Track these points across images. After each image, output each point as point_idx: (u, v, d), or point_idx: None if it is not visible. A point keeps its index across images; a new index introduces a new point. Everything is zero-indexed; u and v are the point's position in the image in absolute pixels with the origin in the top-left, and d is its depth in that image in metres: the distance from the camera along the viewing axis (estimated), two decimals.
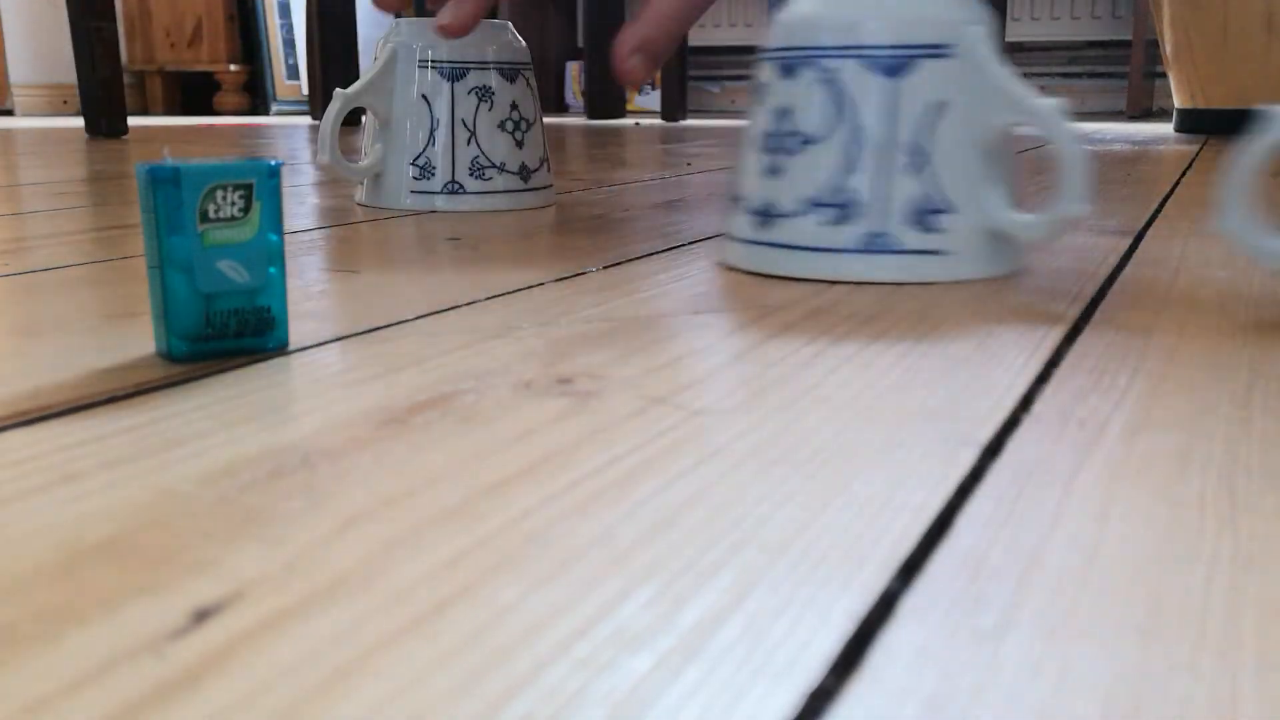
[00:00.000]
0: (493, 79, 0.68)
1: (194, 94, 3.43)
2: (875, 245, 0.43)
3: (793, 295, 0.41)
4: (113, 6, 1.62)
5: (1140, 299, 0.41)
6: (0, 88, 3.14)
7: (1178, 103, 1.72)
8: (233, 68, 3.31)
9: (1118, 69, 2.82)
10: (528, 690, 0.15)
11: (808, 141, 0.44)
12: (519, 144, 0.69)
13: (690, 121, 2.43)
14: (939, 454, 0.24)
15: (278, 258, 0.31)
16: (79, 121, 2.23)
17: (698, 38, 3.19)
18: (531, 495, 0.21)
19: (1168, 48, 1.68)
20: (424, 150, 0.67)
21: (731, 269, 0.47)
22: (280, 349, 0.32)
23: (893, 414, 0.27)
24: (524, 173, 0.69)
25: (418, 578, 0.18)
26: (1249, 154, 0.36)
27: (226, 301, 0.31)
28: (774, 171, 0.46)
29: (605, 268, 0.47)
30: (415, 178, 0.68)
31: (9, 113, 3.13)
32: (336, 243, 0.55)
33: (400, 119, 0.68)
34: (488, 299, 0.40)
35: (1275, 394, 0.29)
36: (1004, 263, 0.45)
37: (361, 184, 0.71)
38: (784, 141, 0.45)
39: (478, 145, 0.68)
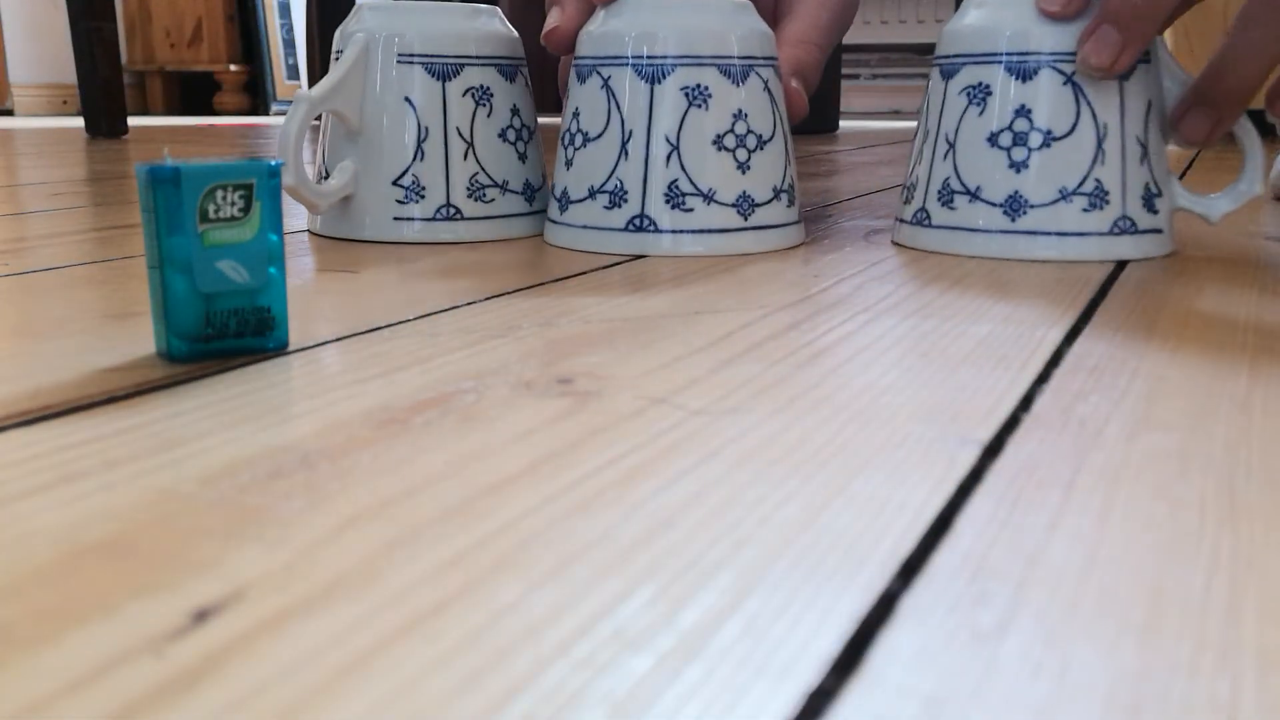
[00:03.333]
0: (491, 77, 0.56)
1: (194, 94, 3.44)
2: (1120, 228, 0.50)
3: (793, 295, 0.41)
4: (113, 6, 1.62)
5: (1140, 299, 0.41)
6: (0, 88, 3.14)
7: None
8: (233, 68, 3.31)
9: None
10: (528, 690, 0.15)
11: (1055, 138, 0.50)
12: (521, 157, 0.57)
13: None
14: (939, 454, 0.24)
15: (278, 258, 0.31)
16: (79, 121, 2.23)
17: None
18: (531, 495, 0.21)
19: (1167, 47, 1.68)
20: (410, 167, 0.54)
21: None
22: (280, 349, 0.32)
23: (893, 414, 0.27)
24: (528, 192, 0.57)
25: (418, 578, 0.18)
26: None
27: (226, 301, 0.31)
28: (1019, 166, 0.50)
29: (604, 268, 0.47)
30: (399, 201, 0.54)
31: (9, 113, 3.13)
32: (336, 243, 0.55)
33: (376, 127, 0.54)
34: (487, 299, 0.40)
35: (1275, 394, 0.29)
36: (1173, 241, 0.52)
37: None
38: (1027, 138, 0.50)
39: (476, 160, 0.55)
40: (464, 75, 0.54)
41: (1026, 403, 0.28)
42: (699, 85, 0.50)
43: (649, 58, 0.51)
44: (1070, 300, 0.40)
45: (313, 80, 2.22)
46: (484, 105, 0.55)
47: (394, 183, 0.54)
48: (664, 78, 0.51)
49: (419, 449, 0.24)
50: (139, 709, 0.14)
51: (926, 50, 2.98)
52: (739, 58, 0.51)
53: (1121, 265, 0.48)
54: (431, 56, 0.54)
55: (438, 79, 0.54)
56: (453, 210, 0.55)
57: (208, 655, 0.15)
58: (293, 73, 3.35)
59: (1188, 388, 0.29)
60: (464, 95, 0.54)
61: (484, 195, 0.55)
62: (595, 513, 0.21)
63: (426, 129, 0.54)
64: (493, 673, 0.15)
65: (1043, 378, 0.30)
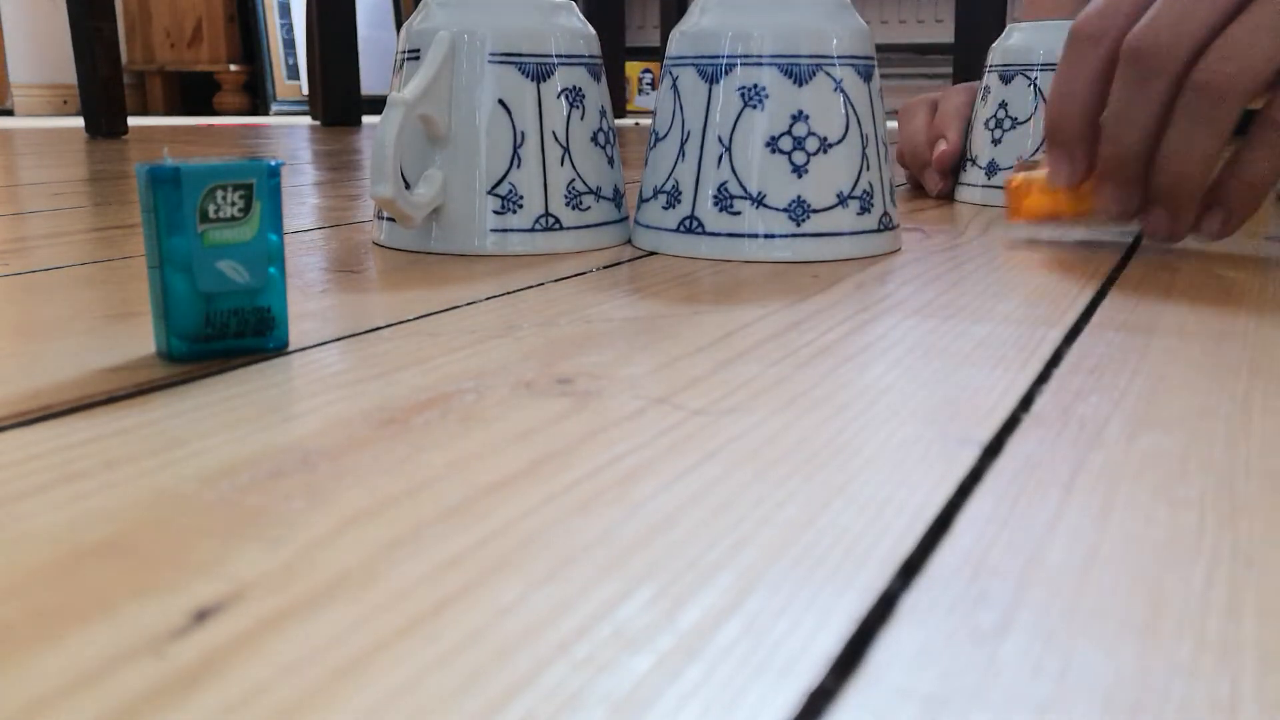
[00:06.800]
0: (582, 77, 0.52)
1: (194, 94, 3.44)
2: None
3: (793, 295, 0.41)
4: (113, 6, 1.62)
5: (1140, 299, 0.41)
6: (0, 88, 3.15)
7: None
8: (233, 68, 3.31)
9: None
10: (528, 690, 0.15)
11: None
12: (610, 161, 0.54)
13: None
14: (939, 454, 0.24)
15: (278, 258, 0.31)
16: (79, 121, 2.23)
17: None
18: (531, 495, 0.21)
19: None
20: (507, 174, 0.51)
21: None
22: (280, 349, 0.32)
23: (893, 414, 0.27)
24: (618, 199, 0.55)
25: (418, 578, 0.18)
26: None
27: (226, 301, 0.31)
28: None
29: (605, 268, 0.47)
30: (496, 211, 0.51)
31: (9, 113, 3.13)
32: (337, 243, 0.55)
33: (468, 132, 0.50)
34: (488, 299, 0.40)
35: (1275, 394, 0.29)
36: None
37: (381, 219, 0.54)
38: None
39: (572, 165, 0.52)
40: (558, 75, 0.51)
41: (1026, 403, 0.28)
42: (756, 85, 0.49)
43: (709, 57, 0.50)
44: (1070, 300, 0.40)
45: (312, 80, 2.22)
46: (577, 107, 0.52)
47: (490, 192, 0.50)
48: (722, 78, 0.49)
49: (419, 449, 0.24)
50: (139, 709, 0.14)
51: (926, 50, 2.98)
52: (806, 57, 0.49)
53: (1122, 265, 0.48)
54: (525, 56, 0.50)
55: (532, 80, 0.51)
56: (552, 220, 0.51)
57: (208, 655, 0.15)
58: (293, 73, 3.35)
59: (1188, 388, 0.29)
60: (558, 96, 0.51)
61: (580, 203, 0.52)
62: (595, 513, 0.21)
63: (523, 133, 0.50)
64: (493, 673, 0.15)
65: (1043, 378, 0.30)
